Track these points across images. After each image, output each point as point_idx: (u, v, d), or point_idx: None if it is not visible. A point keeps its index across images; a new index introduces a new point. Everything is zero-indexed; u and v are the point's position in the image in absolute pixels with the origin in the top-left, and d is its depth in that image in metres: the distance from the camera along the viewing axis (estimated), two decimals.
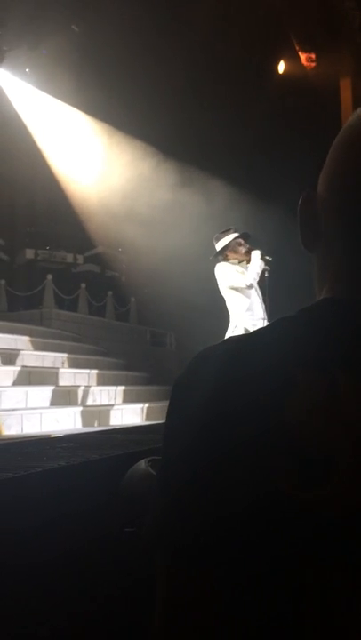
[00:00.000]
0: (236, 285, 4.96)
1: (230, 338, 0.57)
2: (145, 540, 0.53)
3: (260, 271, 4.99)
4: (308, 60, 8.61)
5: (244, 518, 0.45)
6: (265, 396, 0.48)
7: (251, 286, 4.96)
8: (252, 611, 0.44)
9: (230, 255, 5.05)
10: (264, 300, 5.19)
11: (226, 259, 5.06)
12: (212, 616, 0.45)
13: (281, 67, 8.80)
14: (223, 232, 5.08)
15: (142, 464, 1.67)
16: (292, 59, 8.67)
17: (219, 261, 5.09)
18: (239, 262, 5.06)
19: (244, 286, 4.95)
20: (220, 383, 0.50)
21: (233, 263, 5.05)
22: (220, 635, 0.45)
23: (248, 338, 0.55)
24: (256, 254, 4.99)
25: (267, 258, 5.03)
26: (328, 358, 0.49)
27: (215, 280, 5.10)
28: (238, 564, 0.45)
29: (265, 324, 4.98)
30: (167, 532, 0.49)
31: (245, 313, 4.99)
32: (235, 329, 5.00)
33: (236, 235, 5.03)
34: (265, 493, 0.45)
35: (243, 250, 5.05)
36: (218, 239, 5.07)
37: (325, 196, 0.60)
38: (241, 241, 5.05)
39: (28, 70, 8.87)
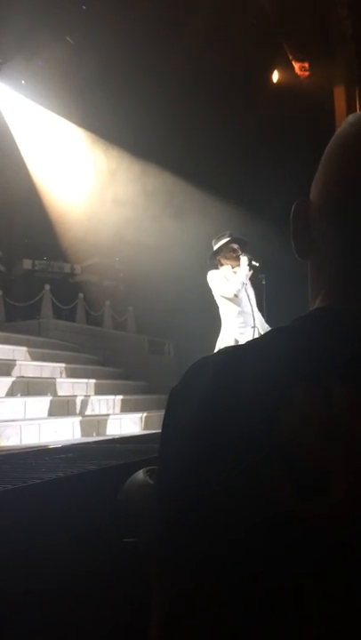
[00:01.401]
0: (224, 295, 4.93)
1: (226, 348, 0.56)
2: (143, 552, 0.53)
3: (245, 279, 4.88)
4: (302, 69, 8.66)
5: (243, 530, 0.45)
6: (260, 409, 0.47)
7: (236, 296, 4.89)
8: (251, 624, 0.45)
9: (223, 261, 5.00)
10: (261, 308, 5.17)
11: (219, 264, 5.01)
12: (209, 629, 0.45)
13: (275, 76, 8.86)
14: (218, 237, 5.03)
15: (140, 474, 1.67)
16: (286, 68, 8.72)
17: (216, 267, 5.05)
18: (233, 268, 4.98)
19: (230, 296, 4.90)
20: (215, 394, 0.50)
21: (226, 269, 5.00)
22: None
23: (243, 348, 0.55)
24: (243, 261, 4.90)
25: (254, 264, 4.91)
26: (323, 370, 0.48)
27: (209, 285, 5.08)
28: (236, 576, 0.45)
29: (256, 333, 4.97)
30: (163, 544, 0.49)
31: (234, 321, 4.94)
32: (224, 337, 4.97)
33: (227, 239, 4.94)
34: (263, 506, 0.45)
35: (234, 256, 4.95)
36: (214, 244, 5.02)
37: (319, 205, 0.60)
38: (234, 246, 4.95)
39: (23, 82, 8.92)
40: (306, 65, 8.64)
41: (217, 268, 5.05)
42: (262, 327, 5.14)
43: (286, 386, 0.48)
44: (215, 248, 4.96)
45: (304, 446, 0.45)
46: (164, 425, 0.54)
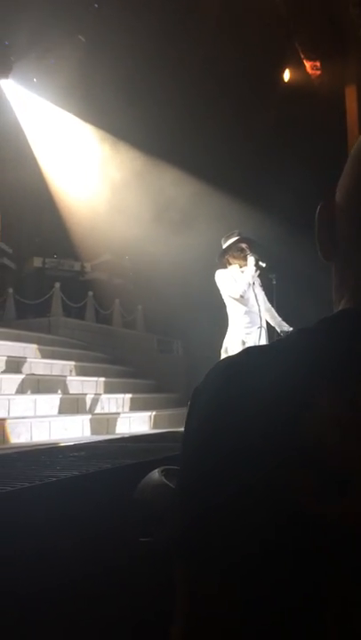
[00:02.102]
0: (231, 295, 4.92)
1: (249, 349, 0.56)
2: (165, 551, 0.53)
3: (251, 280, 4.89)
4: (314, 67, 8.64)
5: (267, 532, 0.45)
6: (283, 410, 0.47)
7: (242, 296, 4.89)
8: (276, 625, 0.45)
9: (231, 260, 4.99)
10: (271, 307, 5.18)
11: (228, 263, 5.00)
12: (233, 629, 0.46)
13: (286, 75, 8.83)
14: (227, 236, 5.02)
15: (156, 474, 1.68)
16: (298, 67, 8.70)
17: (224, 265, 5.05)
18: (240, 267, 4.98)
19: (237, 296, 4.90)
20: (238, 395, 0.50)
21: (234, 268, 5.00)
22: None
23: (267, 350, 0.55)
24: (250, 261, 4.91)
25: (261, 264, 4.92)
26: (347, 372, 0.48)
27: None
28: (261, 577, 0.45)
29: (262, 333, 4.97)
30: (188, 544, 0.49)
31: (241, 321, 4.94)
32: (230, 336, 4.96)
33: (235, 239, 4.94)
34: (287, 507, 0.45)
35: (242, 255, 4.96)
36: (223, 242, 5.01)
37: (344, 206, 0.59)
38: (243, 245, 4.95)
39: (35, 80, 8.95)
40: (317, 64, 8.61)
41: (225, 267, 5.04)
42: (280, 326, 5.12)
43: (310, 388, 0.48)
44: (224, 247, 4.95)
45: (328, 448, 0.45)
46: (187, 425, 0.54)
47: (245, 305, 4.93)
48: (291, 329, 5.06)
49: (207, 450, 0.50)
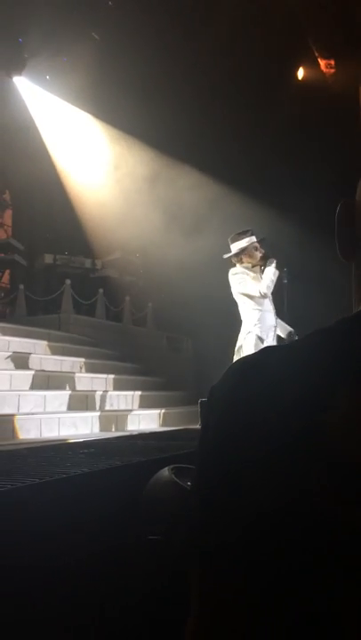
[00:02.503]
0: (250, 293, 4.91)
1: (267, 349, 0.55)
2: (178, 550, 0.53)
3: (275, 280, 4.94)
4: (328, 66, 8.60)
5: (285, 532, 0.45)
6: (302, 411, 0.47)
7: (265, 295, 4.91)
8: (290, 625, 0.44)
9: (245, 259, 4.98)
10: (282, 308, 5.17)
11: (240, 261, 5.00)
12: (248, 628, 0.46)
13: (300, 73, 8.80)
14: (240, 234, 4.99)
15: (166, 472, 1.68)
16: (312, 65, 8.66)
17: (233, 263, 5.04)
18: (253, 267, 5.00)
19: (259, 295, 4.90)
20: (257, 395, 0.50)
21: (246, 267, 4.99)
22: None
23: (285, 349, 0.54)
24: (272, 263, 4.95)
25: (285, 271, 5.04)
26: None
27: (229, 283, 5.07)
28: (277, 578, 0.45)
29: (275, 333, 4.97)
30: (205, 542, 0.49)
31: (256, 320, 4.94)
32: (247, 336, 4.96)
33: (254, 239, 4.96)
34: (305, 509, 0.44)
35: (259, 255, 4.98)
36: (234, 240, 4.98)
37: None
38: (257, 245, 5.00)
39: (48, 78, 8.97)
40: (332, 62, 8.57)
41: (233, 265, 5.04)
42: (281, 327, 5.14)
43: (329, 388, 0.47)
44: (242, 246, 4.94)
45: (348, 449, 0.45)
46: (204, 423, 0.53)
47: (261, 305, 4.94)
48: (292, 329, 5.09)
49: (224, 448, 0.49)
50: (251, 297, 4.92)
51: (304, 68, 8.73)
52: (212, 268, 6.10)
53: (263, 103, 8.12)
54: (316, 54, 8.44)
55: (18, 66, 8.49)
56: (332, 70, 8.45)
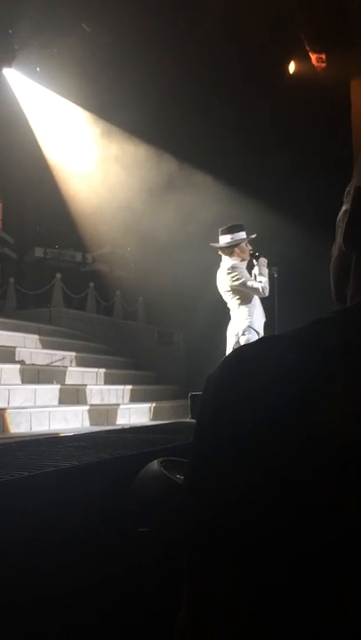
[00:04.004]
0: (250, 290, 4.92)
1: (264, 338, 0.55)
2: (170, 539, 0.53)
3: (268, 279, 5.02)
4: (319, 60, 8.59)
5: (281, 522, 0.45)
6: (300, 400, 0.47)
7: (265, 292, 4.95)
8: (285, 619, 0.45)
9: (236, 252, 5.00)
10: (272, 305, 5.19)
11: (231, 254, 5.00)
12: (241, 623, 0.46)
13: (291, 67, 8.78)
14: (233, 227, 4.99)
15: (155, 464, 1.68)
16: (303, 59, 8.65)
17: (220, 255, 5.03)
18: (241, 261, 5.00)
19: (262, 293, 4.93)
20: (255, 384, 0.49)
21: (233, 260, 4.99)
22: (249, 634, 0.46)
23: (282, 338, 0.53)
24: (264, 262, 4.99)
25: (274, 268, 5.07)
26: None
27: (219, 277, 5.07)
28: (272, 571, 0.45)
29: (262, 327, 5.00)
30: (200, 536, 0.48)
31: (247, 315, 4.96)
32: (244, 331, 4.97)
33: (249, 236, 4.98)
34: (301, 498, 0.44)
35: (248, 250, 5.01)
36: (229, 232, 4.97)
37: None
38: (250, 245, 5.04)
39: (38, 69, 8.91)
40: (323, 56, 8.56)
41: (219, 256, 5.04)
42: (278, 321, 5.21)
43: (327, 377, 0.47)
44: (238, 238, 4.94)
45: (344, 437, 0.44)
46: (200, 415, 0.53)
47: (251, 300, 4.98)
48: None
49: (220, 440, 0.49)
50: (246, 293, 4.92)
51: (295, 62, 8.72)
52: (203, 262, 6.10)
53: (254, 96, 8.11)
54: (308, 48, 8.43)
55: (7, 57, 8.42)
56: (324, 64, 8.44)
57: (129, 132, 9.00)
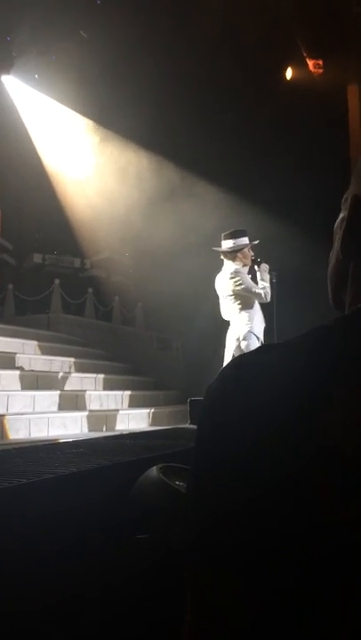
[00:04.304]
0: (254, 295, 4.94)
1: (264, 347, 0.55)
2: (177, 549, 0.52)
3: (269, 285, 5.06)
4: (316, 66, 8.62)
5: (282, 533, 0.45)
6: (299, 409, 0.46)
7: (268, 298, 4.97)
8: (287, 625, 0.44)
9: (238, 258, 5.01)
10: (271, 311, 5.21)
11: (233, 259, 5.00)
12: (244, 633, 0.46)
13: (288, 73, 8.82)
14: (236, 232, 5.01)
15: (154, 471, 1.68)
16: (300, 65, 8.68)
17: (227, 260, 5.04)
18: (243, 266, 5.02)
19: (265, 299, 4.95)
20: (255, 393, 0.49)
21: (236, 265, 5.01)
22: None
23: (284, 347, 0.53)
24: (265, 267, 5.02)
25: (273, 273, 5.10)
26: None
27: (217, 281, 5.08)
28: (274, 581, 0.45)
29: (262, 332, 5.02)
30: (201, 546, 0.48)
31: (248, 320, 4.97)
32: (245, 336, 4.97)
33: (253, 242, 5.02)
34: (302, 508, 0.44)
35: (250, 256, 5.04)
36: (232, 237, 4.99)
37: None
38: (252, 252, 5.09)
39: (37, 76, 8.94)
40: (320, 62, 8.60)
41: (221, 260, 5.06)
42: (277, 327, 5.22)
43: (326, 386, 0.47)
44: (242, 244, 4.95)
45: (347, 448, 0.44)
46: (201, 424, 0.52)
47: (253, 305, 5.00)
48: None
49: (221, 450, 0.49)
50: (249, 298, 4.94)
51: (292, 68, 8.75)
52: (202, 268, 6.10)
53: (251, 102, 8.14)
54: (305, 54, 8.47)
55: (6, 64, 8.45)
56: (321, 70, 8.47)
57: (127, 139, 9.03)
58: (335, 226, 0.64)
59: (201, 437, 0.52)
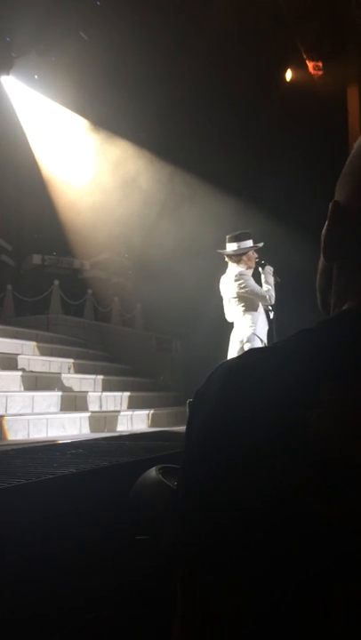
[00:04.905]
0: (257, 297, 4.93)
1: (251, 350, 0.56)
2: (165, 552, 0.53)
3: (273, 288, 5.05)
4: (316, 68, 8.63)
5: (269, 530, 0.45)
6: (287, 410, 0.47)
7: (271, 300, 4.96)
8: (277, 622, 0.44)
9: (244, 260, 5.01)
10: (275, 313, 5.20)
11: (238, 261, 5.01)
12: (235, 627, 0.46)
13: (288, 75, 8.83)
14: (241, 235, 5.01)
15: (153, 472, 1.68)
16: (300, 67, 8.70)
17: (231, 263, 5.04)
18: (247, 269, 5.02)
19: (268, 301, 4.94)
20: (242, 397, 0.50)
21: (240, 268, 5.01)
22: None
23: (270, 350, 0.55)
24: (270, 270, 5.02)
25: (277, 278, 5.08)
26: (351, 372, 0.48)
27: (221, 283, 5.07)
28: (263, 576, 0.45)
29: (265, 334, 5.01)
30: (190, 544, 0.48)
31: (251, 322, 4.97)
32: (249, 338, 4.97)
33: (257, 244, 5.02)
34: (290, 505, 0.45)
35: (254, 258, 5.03)
36: (237, 239, 4.99)
37: (348, 206, 0.59)
38: (256, 254, 5.07)
39: (36, 77, 8.94)
40: (319, 64, 8.61)
41: (225, 262, 5.05)
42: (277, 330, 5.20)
43: (313, 387, 0.48)
44: (247, 246, 4.95)
45: (332, 446, 0.45)
46: (189, 426, 0.53)
47: (256, 308, 4.99)
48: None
49: (209, 450, 0.49)
50: (253, 300, 4.93)
51: (292, 70, 8.77)
52: (202, 269, 6.11)
53: (251, 104, 8.15)
54: (305, 56, 8.48)
55: (5, 65, 8.44)
56: (320, 72, 8.49)
57: (127, 140, 9.03)
58: (322, 233, 0.65)
59: (190, 437, 0.52)
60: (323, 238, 0.61)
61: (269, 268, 5.05)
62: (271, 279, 5.03)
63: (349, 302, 0.57)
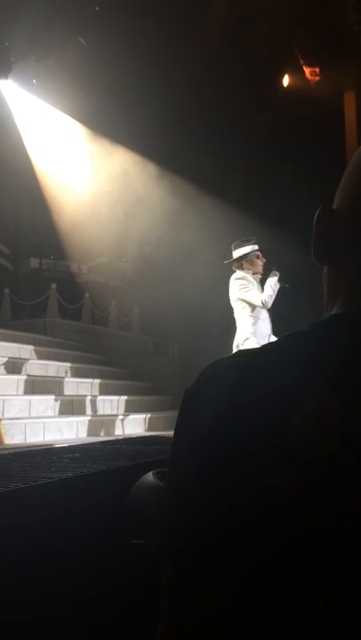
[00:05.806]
0: (252, 301, 4.93)
1: (241, 351, 0.56)
2: (154, 554, 0.53)
3: (276, 291, 4.98)
4: (313, 74, 8.68)
5: (254, 532, 0.45)
6: (273, 412, 0.48)
7: (266, 305, 4.94)
8: (258, 623, 0.45)
9: (246, 265, 5.02)
10: (283, 317, 5.19)
11: (240, 267, 5.03)
12: (217, 628, 0.46)
13: (285, 80, 8.87)
14: (244, 241, 5.04)
15: (150, 476, 1.68)
16: (297, 72, 8.74)
17: (233, 269, 5.06)
18: (253, 274, 5.04)
19: (260, 305, 4.93)
20: (230, 397, 0.50)
21: (245, 273, 5.02)
22: None
23: (259, 352, 0.55)
24: (275, 275, 4.99)
25: (284, 284, 5.04)
26: (338, 375, 0.49)
27: (224, 288, 5.08)
28: (247, 577, 0.45)
29: (266, 337, 4.99)
30: (174, 546, 0.49)
31: (251, 328, 4.97)
32: (245, 342, 4.97)
33: (256, 247, 5.01)
34: (275, 509, 0.45)
35: (260, 263, 5.03)
36: (237, 247, 5.02)
37: (343, 212, 0.59)
38: (259, 254, 5.04)
39: (34, 82, 8.96)
40: (317, 70, 8.66)
41: (233, 271, 5.07)
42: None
43: (300, 389, 0.48)
44: (244, 252, 4.96)
45: (318, 449, 0.46)
46: (178, 427, 0.54)
47: (258, 313, 4.97)
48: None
49: (196, 451, 0.50)
50: (250, 304, 4.94)
51: (289, 76, 8.81)
52: (200, 273, 6.12)
53: (249, 110, 8.17)
54: (302, 62, 8.52)
55: (4, 70, 8.46)
56: (317, 78, 8.53)
57: (124, 145, 9.05)
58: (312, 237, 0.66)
59: (178, 437, 0.53)
60: (312, 243, 0.62)
61: (275, 273, 5.04)
62: (274, 283, 4.99)
63: (337, 306, 0.58)
